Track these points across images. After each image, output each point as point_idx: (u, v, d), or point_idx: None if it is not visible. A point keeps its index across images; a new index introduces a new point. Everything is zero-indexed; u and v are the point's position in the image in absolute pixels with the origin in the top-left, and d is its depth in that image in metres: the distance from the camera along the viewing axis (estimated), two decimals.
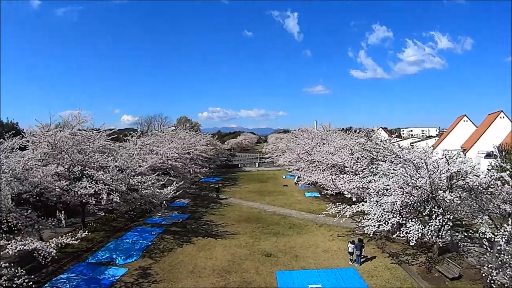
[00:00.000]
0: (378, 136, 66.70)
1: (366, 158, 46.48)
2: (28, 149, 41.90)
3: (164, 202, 49.33)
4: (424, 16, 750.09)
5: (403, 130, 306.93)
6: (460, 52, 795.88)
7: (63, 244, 28.96)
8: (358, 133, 65.52)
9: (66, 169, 42.61)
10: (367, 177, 41.30)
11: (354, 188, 41.93)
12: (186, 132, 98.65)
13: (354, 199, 42.17)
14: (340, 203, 40.50)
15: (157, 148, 66.93)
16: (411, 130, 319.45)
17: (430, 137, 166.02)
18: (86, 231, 41.89)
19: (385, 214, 33.26)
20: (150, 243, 43.55)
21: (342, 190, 43.45)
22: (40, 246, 27.15)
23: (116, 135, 61.84)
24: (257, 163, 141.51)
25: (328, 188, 47.81)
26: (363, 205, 37.75)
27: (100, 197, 39.89)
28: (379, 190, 35.68)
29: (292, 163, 79.88)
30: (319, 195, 70.75)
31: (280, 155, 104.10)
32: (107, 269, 36.06)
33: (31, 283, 24.36)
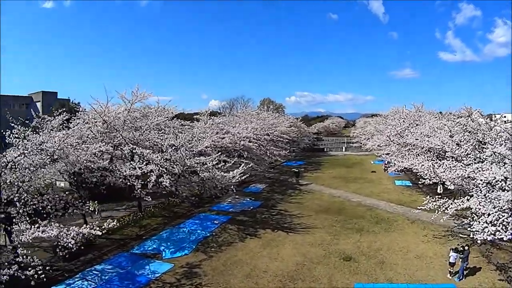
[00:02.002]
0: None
1: (469, 141, 38.02)
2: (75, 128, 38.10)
3: (232, 187, 42.78)
4: None
5: (495, 116, 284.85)
6: None
7: (86, 235, 25.00)
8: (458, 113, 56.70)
9: (115, 148, 38.80)
10: (472, 164, 33.10)
11: (457, 177, 33.20)
12: (268, 113, 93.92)
13: (452, 187, 33.77)
14: (440, 196, 32.47)
15: (230, 128, 60.94)
16: (504, 116, 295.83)
17: None
18: (141, 216, 40.83)
19: (502, 215, 25.10)
20: (208, 234, 37.78)
21: (444, 180, 35.04)
22: (59, 234, 23.43)
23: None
24: (343, 147, 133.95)
25: (426, 176, 38.87)
26: (468, 200, 29.39)
27: (148, 180, 34.55)
28: (492, 181, 27.56)
29: (381, 147, 70.55)
30: (411, 184, 62.68)
31: (368, 139, 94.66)
32: (149, 263, 30.75)
33: (43, 275, 20.98)
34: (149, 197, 34.70)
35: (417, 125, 59.68)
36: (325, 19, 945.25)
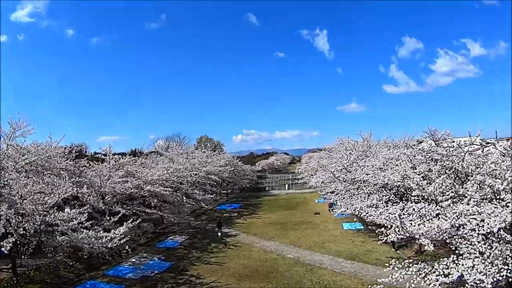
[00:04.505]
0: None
1: (444, 173, 27.46)
2: None
3: (127, 247, 31.67)
4: (455, 23, 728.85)
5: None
6: (494, 58, 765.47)
7: None
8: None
9: None
10: (452, 205, 22.43)
11: (438, 232, 21.43)
12: (200, 152, 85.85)
13: (431, 247, 22.11)
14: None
15: (140, 170, 50.53)
16: (453, 141, 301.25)
17: (484, 145, 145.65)
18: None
19: None
20: None
21: (416, 236, 23.42)
22: None
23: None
24: (287, 185, 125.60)
25: (389, 231, 26.34)
26: (456, 262, 18.99)
27: None
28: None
29: (326, 183, 60.05)
30: (362, 227, 51.56)
31: (312, 175, 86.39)
32: None
33: None
34: None
35: (366, 156, 49.88)
36: (272, 57, 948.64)
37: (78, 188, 33.35)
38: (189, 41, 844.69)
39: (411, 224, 22.36)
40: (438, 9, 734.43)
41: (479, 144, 31.50)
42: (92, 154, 52.87)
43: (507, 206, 18.69)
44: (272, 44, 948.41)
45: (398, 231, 22.11)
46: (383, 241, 23.37)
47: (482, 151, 31.13)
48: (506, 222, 17.66)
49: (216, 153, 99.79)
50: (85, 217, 29.17)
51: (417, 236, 21.97)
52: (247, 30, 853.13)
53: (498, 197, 20.21)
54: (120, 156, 51.19)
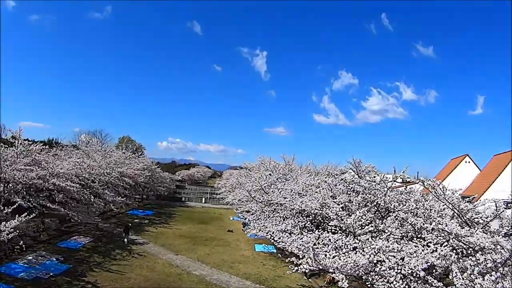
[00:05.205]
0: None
1: (365, 206, 26.61)
2: None
3: (21, 243, 31.01)
4: (391, 66, 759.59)
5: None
6: (423, 104, 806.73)
7: None
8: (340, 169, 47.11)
9: None
10: (371, 240, 21.42)
11: (353, 267, 20.25)
12: (117, 152, 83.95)
13: (345, 284, 20.92)
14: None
15: (51, 161, 47.07)
16: (375, 176, 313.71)
17: (408, 182, 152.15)
18: None
19: None
20: None
21: (330, 270, 22.11)
22: None
23: None
24: (204, 198, 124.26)
25: (302, 261, 24.80)
26: None
27: None
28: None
29: (243, 202, 59.36)
30: (275, 251, 50.22)
31: (230, 192, 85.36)
32: None
33: None
34: None
35: (286, 179, 49.12)
36: (209, 68, 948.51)
37: None
38: (131, 34, 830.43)
39: (326, 255, 21.08)
40: (378, 49, 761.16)
41: (401, 181, 31.08)
42: (8, 138, 48.86)
43: (428, 246, 17.92)
44: (211, 55, 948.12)
45: (311, 262, 20.81)
46: (294, 270, 21.92)
47: (405, 188, 30.61)
48: (428, 263, 16.78)
49: (136, 156, 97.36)
50: None
51: (331, 270, 20.72)
52: (189, 37, 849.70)
53: (419, 235, 19.51)
54: (31, 142, 47.76)
